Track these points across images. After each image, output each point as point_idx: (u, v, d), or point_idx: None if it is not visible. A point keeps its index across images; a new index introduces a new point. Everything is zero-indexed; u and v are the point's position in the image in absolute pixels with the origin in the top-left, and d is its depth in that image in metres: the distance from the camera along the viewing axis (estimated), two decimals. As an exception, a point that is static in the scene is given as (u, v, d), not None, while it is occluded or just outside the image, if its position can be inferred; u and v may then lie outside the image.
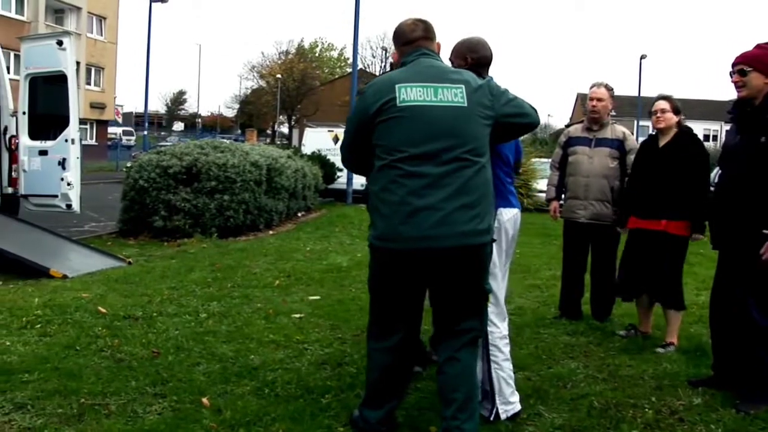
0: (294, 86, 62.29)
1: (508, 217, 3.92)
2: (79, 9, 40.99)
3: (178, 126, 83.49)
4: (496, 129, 3.45)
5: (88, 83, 42.75)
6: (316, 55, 67.38)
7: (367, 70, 60.66)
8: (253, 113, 70.39)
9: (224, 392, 4.13)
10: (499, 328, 3.88)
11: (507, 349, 3.93)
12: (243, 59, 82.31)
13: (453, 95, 3.34)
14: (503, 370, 3.88)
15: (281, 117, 68.09)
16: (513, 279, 7.96)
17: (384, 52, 60.19)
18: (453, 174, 3.28)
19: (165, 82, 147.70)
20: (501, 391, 3.84)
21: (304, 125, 41.76)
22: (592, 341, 5.50)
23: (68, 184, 9.54)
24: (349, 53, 62.03)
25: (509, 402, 3.86)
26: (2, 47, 10.19)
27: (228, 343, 5.13)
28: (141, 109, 48.66)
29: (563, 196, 6.33)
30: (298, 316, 5.93)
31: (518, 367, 4.72)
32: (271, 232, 12.13)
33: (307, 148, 20.60)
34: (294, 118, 65.00)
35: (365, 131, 3.41)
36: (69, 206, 9.67)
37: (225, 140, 14.82)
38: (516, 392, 3.92)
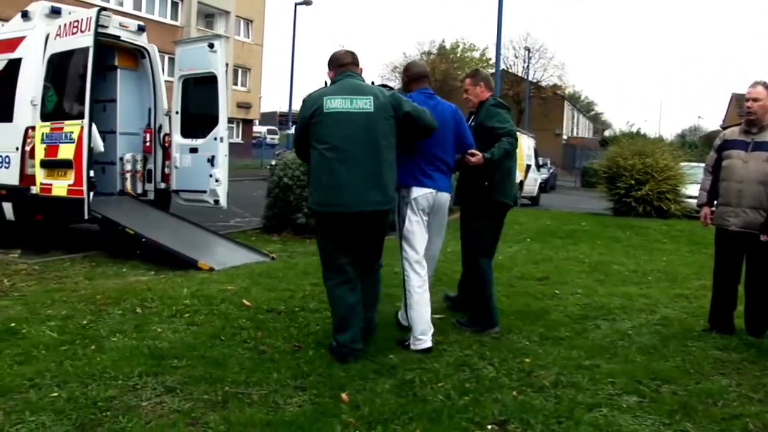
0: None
1: (421, 194, 5.14)
2: (227, 13, 42.80)
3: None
4: (405, 126, 4.81)
5: (235, 84, 44.51)
6: (458, 55, 66.86)
7: (510, 70, 59.44)
8: (394, 113, 70.73)
9: (363, 389, 4.17)
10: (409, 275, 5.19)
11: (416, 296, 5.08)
12: (385, 60, 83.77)
13: (364, 104, 4.69)
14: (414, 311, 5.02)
15: (422, 117, 68.09)
16: (658, 288, 7.69)
17: (527, 52, 58.74)
18: (365, 158, 4.63)
19: (308, 82, 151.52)
20: (414, 329, 4.98)
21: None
22: (746, 358, 5.13)
23: (216, 181, 9.87)
24: (490, 54, 60.91)
25: (418, 339, 4.94)
26: (159, 51, 10.68)
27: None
28: (285, 109, 50.14)
29: (715, 202, 5.99)
30: (438, 316, 5.80)
31: (663, 380, 4.52)
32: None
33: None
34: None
35: (303, 131, 4.77)
36: (216, 202, 9.99)
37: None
38: (427, 332, 4.98)
